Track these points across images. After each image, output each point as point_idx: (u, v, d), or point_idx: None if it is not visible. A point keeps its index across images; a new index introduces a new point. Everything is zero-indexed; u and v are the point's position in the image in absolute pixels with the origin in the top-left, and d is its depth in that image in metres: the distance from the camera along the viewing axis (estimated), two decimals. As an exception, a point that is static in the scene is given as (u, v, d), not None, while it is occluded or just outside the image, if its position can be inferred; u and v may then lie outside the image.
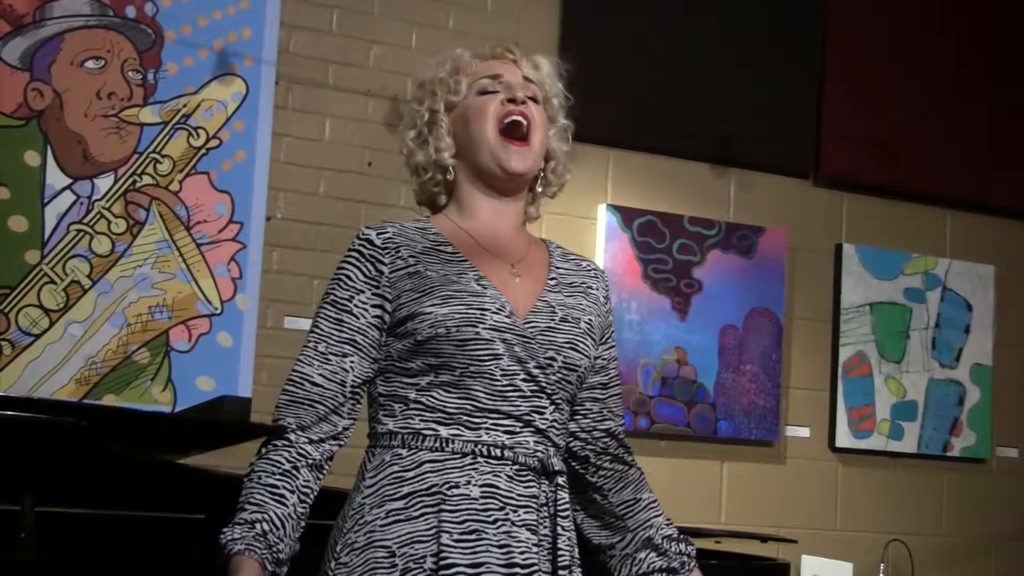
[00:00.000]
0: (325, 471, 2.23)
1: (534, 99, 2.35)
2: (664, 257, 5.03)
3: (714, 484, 5.13)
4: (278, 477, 2.15)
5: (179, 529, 3.15)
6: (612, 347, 2.45)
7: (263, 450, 2.19)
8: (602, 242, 4.93)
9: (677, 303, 5.05)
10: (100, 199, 4.26)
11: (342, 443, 2.24)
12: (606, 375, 2.43)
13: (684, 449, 5.07)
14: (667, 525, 2.45)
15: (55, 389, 4.15)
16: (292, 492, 2.15)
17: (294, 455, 2.17)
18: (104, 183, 4.28)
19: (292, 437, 2.18)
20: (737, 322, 5.15)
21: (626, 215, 4.98)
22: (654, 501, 2.46)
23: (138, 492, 2.98)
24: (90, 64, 4.31)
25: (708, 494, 5.11)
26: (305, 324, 4.46)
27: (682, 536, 2.44)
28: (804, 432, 5.31)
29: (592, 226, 4.97)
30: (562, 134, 2.44)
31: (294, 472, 2.16)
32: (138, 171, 4.32)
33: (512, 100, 2.31)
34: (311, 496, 2.19)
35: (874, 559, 5.21)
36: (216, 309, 4.38)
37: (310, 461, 2.18)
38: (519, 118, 2.30)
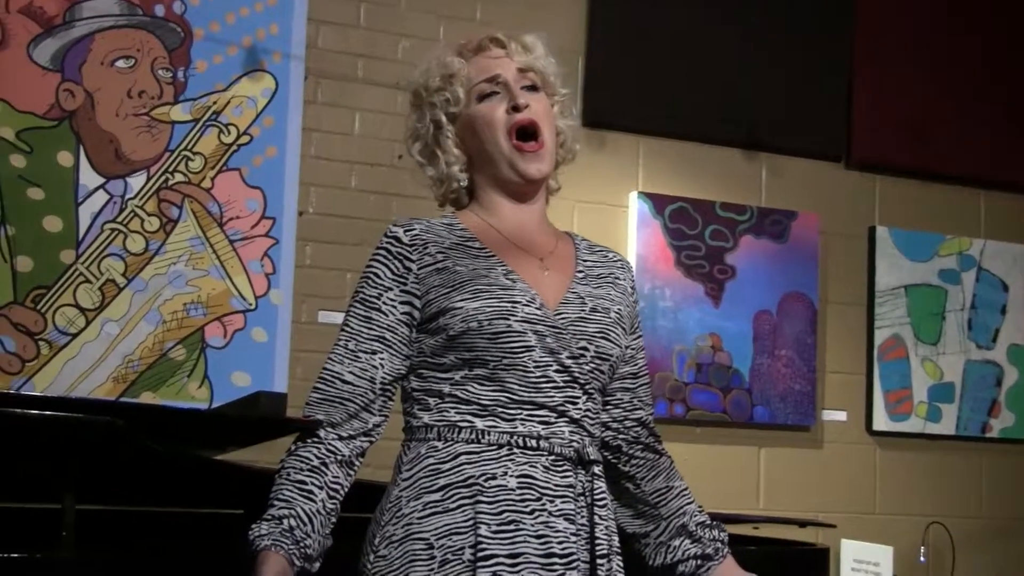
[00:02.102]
0: (356, 467, 2.23)
1: (533, 87, 2.33)
2: (697, 243, 5.02)
3: (751, 470, 5.12)
4: (306, 473, 2.15)
5: (218, 524, 3.17)
6: (640, 336, 2.45)
7: (293, 447, 2.20)
8: (634, 230, 4.93)
9: (711, 289, 5.04)
10: (133, 198, 4.29)
11: (373, 439, 2.24)
12: (635, 364, 2.43)
13: (721, 435, 5.06)
14: (700, 512, 2.45)
15: (93, 387, 4.18)
16: (320, 488, 2.15)
17: (323, 451, 2.17)
18: (137, 182, 4.30)
19: (322, 434, 2.19)
20: (771, 307, 5.13)
21: (658, 202, 4.97)
22: (686, 489, 2.47)
23: (177, 488, 3.00)
24: (120, 63, 4.33)
25: (746, 480, 5.10)
26: (339, 318, 4.40)
27: (715, 522, 2.44)
28: (841, 416, 5.29)
29: (624, 214, 4.96)
30: (564, 108, 2.42)
31: (323, 468, 2.16)
32: (170, 169, 4.33)
33: (516, 108, 2.28)
34: (341, 492, 2.19)
35: (914, 542, 5.19)
36: (250, 305, 4.40)
37: (339, 457, 2.19)
38: (528, 126, 2.28)
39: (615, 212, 4.95)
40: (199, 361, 4.32)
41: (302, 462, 2.16)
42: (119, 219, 4.27)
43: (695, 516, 2.45)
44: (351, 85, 4.63)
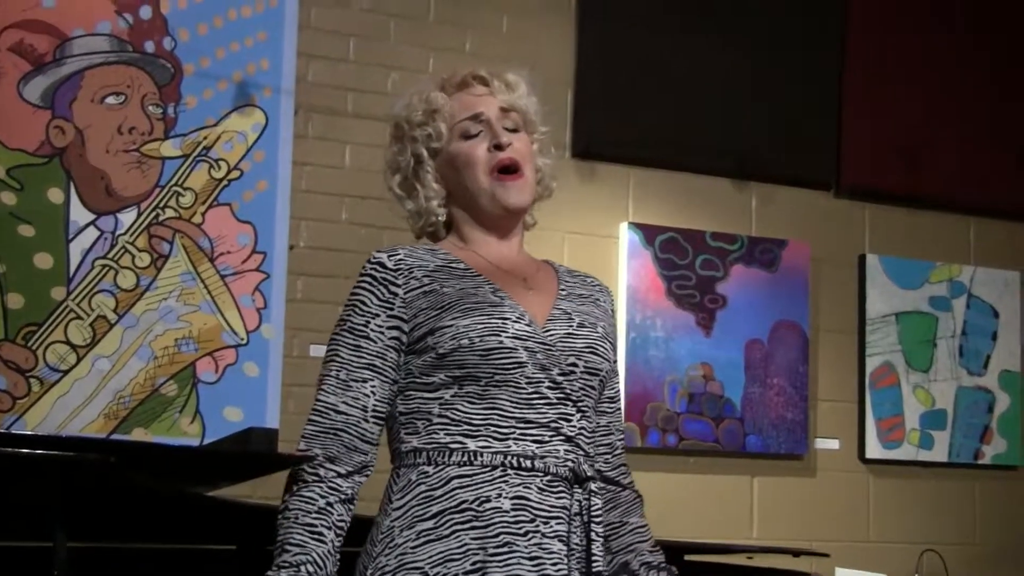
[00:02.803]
0: (355, 505, 2.22)
1: (516, 128, 2.35)
2: (687, 273, 5.03)
3: (745, 499, 5.12)
4: (315, 516, 2.15)
5: (211, 560, 3.16)
6: (615, 362, 2.44)
7: (294, 487, 2.19)
8: (625, 260, 4.93)
9: (702, 319, 5.04)
10: (124, 234, 4.29)
11: (368, 474, 2.24)
12: (612, 389, 2.41)
13: (713, 465, 5.06)
14: (651, 552, 2.38)
15: (84, 424, 4.17)
16: (329, 528, 2.15)
17: (326, 490, 2.17)
18: (127, 217, 4.31)
19: (322, 472, 2.18)
20: (763, 336, 5.14)
21: (648, 232, 4.98)
22: (642, 527, 2.40)
23: (170, 525, 2.99)
24: (111, 100, 4.34)
25: (739, 509, 5.10)
26: (331, 351, 4.46)
27: (665, 565, 2.37)
28: (834, 444, 5.29)
29: (614, 244, 4.97)
30: (544, 146, 2.43)
31: (328, 509, 2.16)
32: (161, 204, 4.34)
33: (498, 146, 2.30)
34: (345, 530, 2.19)
35: (908, 570, 5.18)
36: (242, 339, 4.40)
37: (342, 496, 2.18)
38: (510, 165, 2.30)
39: (605, 243, 4.96)
40: (191, 396, 4.32)
41: (308, 503, 2.16)
42: (110, 255, 4.27)
43: (642, 555, 2.37)
44: (341, 119, 4.64)
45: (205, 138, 4.42)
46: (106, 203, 4.29)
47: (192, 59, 4.44)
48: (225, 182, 4.43)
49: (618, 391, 2.44)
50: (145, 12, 4.39)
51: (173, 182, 4.37)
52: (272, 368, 4.42)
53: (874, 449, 5.30)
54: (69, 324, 4.20)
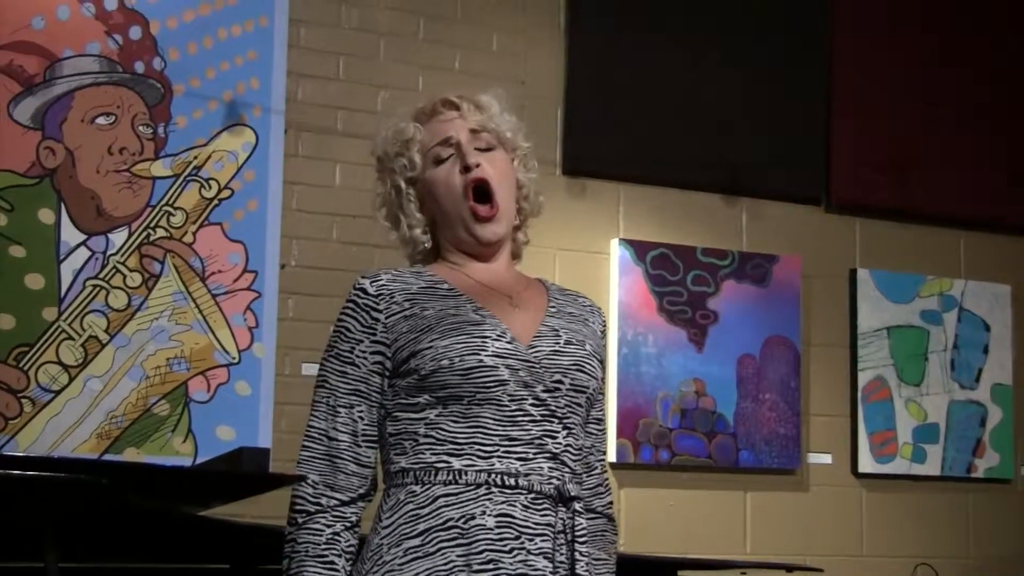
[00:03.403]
0: (360, 528, 2.25)
1: (489, 148, 2.36)
2: (679, 289, 5.04)
3: (738, 514, 5.12)
4: (324, 547, 2.19)
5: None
6: (601, 381, 2.44)
7: (299, 518, 2.22)
8: (616, 277, 4.94)
9: (693, 334, 5.05)
10: (115, 254, 4.29)
11: (370, 499, 2.27)
12: (599, 410, 2.42)
13: (706, 480, 5.06)
14: None
15: (77, 444, 4.17)
16: (339, 556, 2.19)
17: (331, 519, 2.21)
18: (118, 238, 4.31)
19: (324, 500, 2.21)
20: (754, 351, 5.14)
21: (639, 248, 4.99)
22: (607, 560, 2.38)
23: (162, 545, 2.99)
24: (101, 120, 4.34)
25: (732, 525, 5.10)
26: (323, 370, 4.46)
27: None
28: (826, 459, 5.30)
29: (606, 261, 4.98)
30: (525, 161, 2.44)
31: (336, 538, 2.20)
32: (152, 224, 4.34)
33: (467, 168, 2.31)
34: (354, 555, 2.22)
35: (902, 584, 5.19)
36: (234, 358, 4.40)
37: (347, 524, 2.22)
38: (480, 184, 2.31)
39: (596, 259, 4.96)
40: (183, 416, 4.32)
41: (316, 535, 2.19)
42: (101, 275, 4.27)
43: None
44: (331, 137, 4.65)
45: (195, 158, 4.43)
46: (97, 223, 4.29)
47: (182, 79, 4.44)
48: (216, 201, 4.44)
49: (604, 413, 2.45)
50: (135, 33, 4.40)
51: (164, 202, 4.37)
52: (264, 387, 4.42)
53: (867, 463, 5.30)
54: (61, 344, 4.20)
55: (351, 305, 2.28)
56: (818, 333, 5.34)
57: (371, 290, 2.27)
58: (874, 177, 5.46)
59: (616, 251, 4.97)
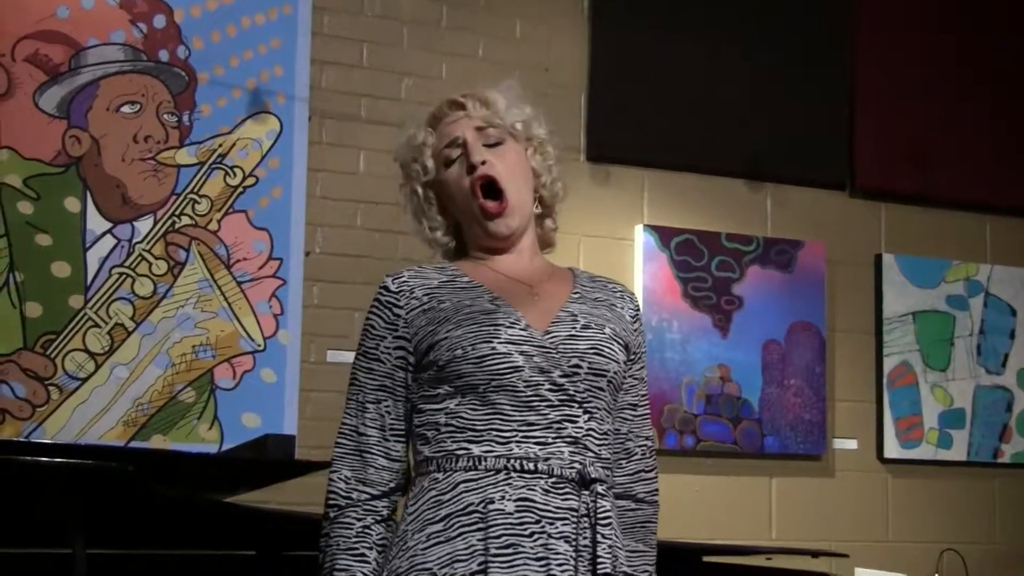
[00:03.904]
0: (393, 523, 2.28)
1: (498, 142, 2.39)
2: (703, 275, 5.03)
3: (763, 500, 5.11)
4: (355, 540, 2.22)
5: (230, 566, 3.17)
6: (643, 368, 2.44)
7: (332, 513, 2.25)
8: (640, 263, 4.94)
9: (718, 320, 5.04)
10: (140, 242, 4.31)
11: (402, 494, 2.29)
12: (636, 395, 2.41)
13: (731, 466, 5.06)
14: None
15: (103, 432, 4.19)
16: (371, 548, 2.22)
17: (362, 512, 2.24)
18: (144, 226, 4.32)
19: (355, 495, 2.25)
20: (779, 337, 5.13)
21: (663, 234, 4.99)
22: (640, 552, 2.38)
23: (188, 531, 3.01)
24: (126, 109, 4.36)
25: (757, 510, 5.09)
26: (348, 357, 4.45)
27: None
28: (852, 444, 5.29)
29: (630, 247, 4.97)
30: (541, 150, 2.45)
31: (367, 531, 2.23)
32: (177, 212, 4.36)
33: (472, 167, 2.34)
34: (386, 547, 2.24)
35: (928, 570, 5.17)
36: (259, 346, 4.41)
37: (379, 517, 2.25)
38: (486, 182, 2.34)
39: (621, 245, 4.96)
40: (209, 403, 4.33)
41: (347, 528, 2.23)
42: (127, 263, 4.29)
43: None
44: (355, 125, 4.65)
45: (220, 146, 4.44)
46: (122, 211, 4.31)
47: (206, 67, 4.46)
48: (240, 189, 4.45)
49: (643, 399, 2.44)
50: (159, 21, 4.41)
51: (189, 190, 4.38)
52: (289, 374, 4.43)
53: (892, 449, 5.29)
54: (87, 332, 4.22)
55: (376, 303, 2.32)
56: (843, 318, 5.33)
57: (392, 287, 2.31)
58: (899, 162, 5.44)
59: (640, 237, 4.97)
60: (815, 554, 4.10)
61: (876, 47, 5.47)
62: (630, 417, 2.41)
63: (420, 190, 2.42)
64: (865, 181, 5.41)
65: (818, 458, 5.20)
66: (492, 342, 2.19)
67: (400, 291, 2.30)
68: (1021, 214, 5.69)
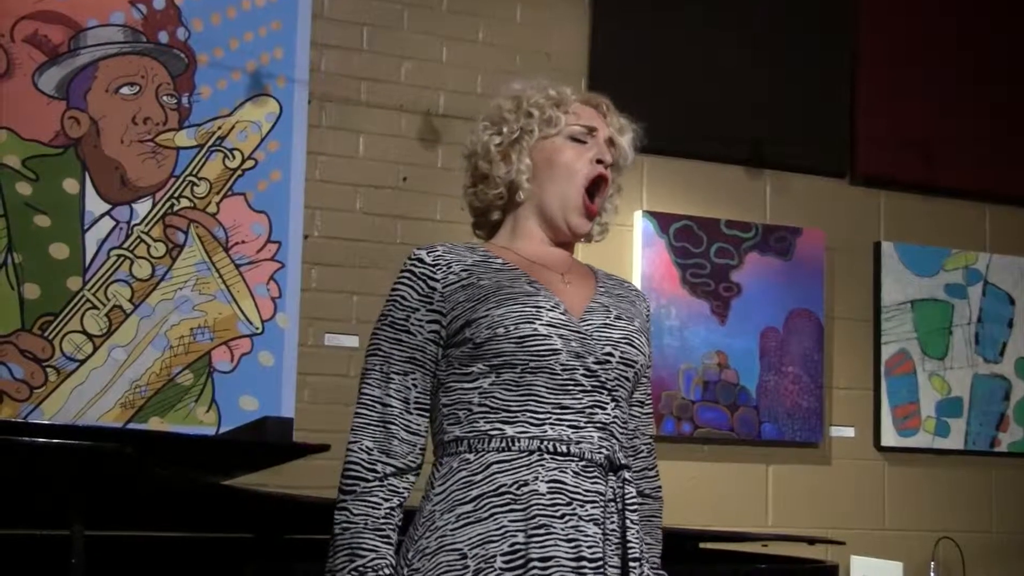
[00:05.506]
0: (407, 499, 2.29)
1: (613, 163, 2.43)
2: (702, 261, 5.03)
3: (760, 487, 5.12)
4: (383, 520, 2.21)
5: (228, 548, 3.17)
6: (651, 367, 2.48)
7: (355, 486, 2.22)
8: (639, 248, 4.93)
9: (716, 307, 5.04)
10: (139, 224, 4.30)
11: (419, 473, 2.29)
12: (643, 393, 2.45)
13: (728, 453, 5.06)
14: (652, 570, 2.40)
15: (101, 413, 4.19)
16: (394, 530, 2.22)
17: (387, 493, 2.23)
18: (142, 208, 4.32)
19: (379, 467, 2.23)
20: (777, 324, 5.13)
21: (662, 220, 4.98)
22: (654, 546, 2.43)
23: (186, 514, 3.01)
24: (125, 90, 4.35)
25: (754, 497, 5.10)
26: (346, 340, 4.48)
27: None
28: (849, 432, 5.29)
29: (629, 233, 4.97)
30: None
31: (392, 513, 2.22)
32: (175, 195, 4.35)
33: (600, 160, 2.38)
34: (400, 530, 2.25)
35: (924, 558, 5.18)
36: (257, 329, 4.41)
37: (401, 499, 2.24)
38: (601, 181, 2.39)
39: (620, 231, 4.95)
40: (206, 386, 4.33)
41: (375, 508, 2.21)
42: (125, 245, 4.28)
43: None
44: (355, 108, 4.64)
45: (219, 128, 4.43)
46: (121, 193, 4.30)
47: (206, 49, 4.44)
48: (239, 172, 4.44)
49: (648, 394, 2.48)
50: (158, 2, 4.40)
51: (188, 172, 4.38)
52: (287, 357, 4.43)
53: (890, 437, 5.29)
54: (85, 314, 4.22)
55: (407, 274, 2.30)
56: (842, 306, 5.33)
57: (428, 259, 2.30)
58: (899, 150, 5.44)
59: (639, 223, 4.96)
60: (811, 541, 4.11)
61: (877, 35, 5.46)
62: (638, 414, 2.46)
63: (536, 131, 2.40)
64: (865, 169, 5.40)
65: (815, 446, 5.20)
66: (534, 323, 2.20)
67: (436, 264, 2.29)
68: (1020, 203, 5.69)
